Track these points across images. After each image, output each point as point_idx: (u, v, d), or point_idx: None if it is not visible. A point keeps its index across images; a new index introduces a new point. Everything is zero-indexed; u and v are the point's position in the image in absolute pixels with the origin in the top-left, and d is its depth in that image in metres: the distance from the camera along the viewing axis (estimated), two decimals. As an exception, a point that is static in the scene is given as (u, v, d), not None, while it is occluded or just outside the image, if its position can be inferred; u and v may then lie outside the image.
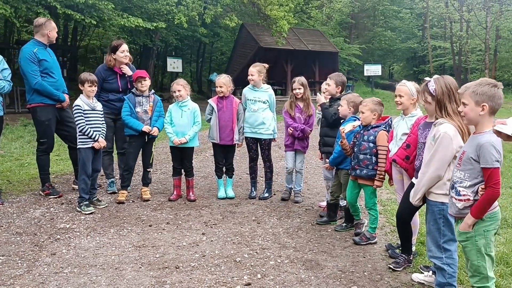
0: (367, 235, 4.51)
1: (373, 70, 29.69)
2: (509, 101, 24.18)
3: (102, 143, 5.43)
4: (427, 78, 3.46)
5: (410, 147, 3.88)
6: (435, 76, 3.42)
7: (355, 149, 4.49)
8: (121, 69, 5.95)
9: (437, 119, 3.26)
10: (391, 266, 3.93)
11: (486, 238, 2.78)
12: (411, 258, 3.99)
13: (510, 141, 2.34)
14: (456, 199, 2.84)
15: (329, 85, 5.18)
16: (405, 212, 3.71)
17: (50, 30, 5.73)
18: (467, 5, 34.03)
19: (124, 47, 6.04)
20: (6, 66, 5.62)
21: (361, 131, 4.47)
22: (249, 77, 5.89)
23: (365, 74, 30.44)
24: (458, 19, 35.55)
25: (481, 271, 2.82)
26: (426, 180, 3.19)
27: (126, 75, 5.99)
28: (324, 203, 5.52)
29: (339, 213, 5.17)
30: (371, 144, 4.36)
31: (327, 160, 5.12)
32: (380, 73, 31.16)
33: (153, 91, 5.89)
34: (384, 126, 4.37)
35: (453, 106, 3.16)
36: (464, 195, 2.78)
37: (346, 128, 4.40)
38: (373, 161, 4.36)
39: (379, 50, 39.91)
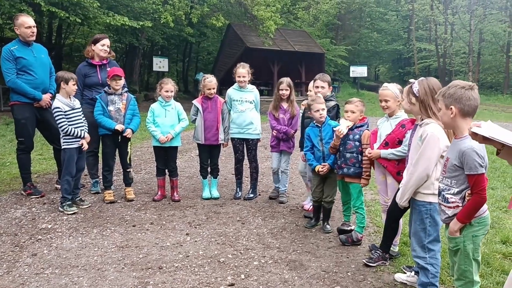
0: (353, 237, 4.54)
1: (359, 71, 29.90)
2: (492, 103, 24.53)
3: (87, 138, 5.40)
4: (411, 80, 3.49)
5: (389, 144, 3.98)
6: (421, 78, 3.46)
7: (341, 148, 4.54)
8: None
9: (422, 119, 3.30)
10: (365, 261, 3.99)
11: (474, 243, 2.78)
12: (386, 256, 4.02)
13: (485, 143, 2.34)
14: (445, 206, 2.83)
15: (323, 87, 5.16)
16: (397, 209, 3.73)
17: (17, 27, 5.61)
18: (452, 8, 34.51)
19: (105, 41, 6.00)
20: None
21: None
22: (240, 79, 5.87)
23: (351, 75, 30.65)
24: (442, 22, 36.04)
25: (467, 276, 2.83)
26: (414, 180, 3.21)
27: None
28: (308, 205, 5.54)
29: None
30: (357, 143, 4.44)
31: None
32: (366, 75, 31.40)
33: (126, 89, 5.80)
34: (366, 125, 4.50)
35: (437, 106, 3.19)
36: (452, 202, 2.77)
37: (343, 130, 4.40)
38: (359, 159, 4.44)
39: (365, 52, 40.23)
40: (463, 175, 2.70)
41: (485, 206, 2.77)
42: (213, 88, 5.87)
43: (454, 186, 2.76)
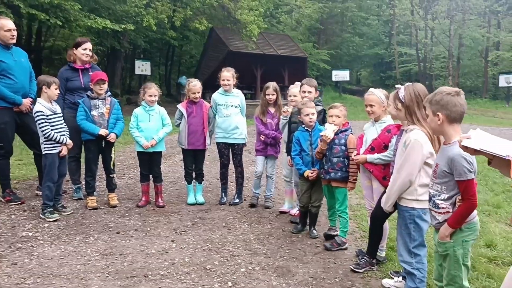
0: (338, 241, 4.53)
1: (341, 75, 30.13)
2: (472, 107, 24.94)
3: (70, 144, 5.28)
4: (397, 86, 3.50)
5: (375, 149, 3.99)
6: (407, 84, 3.47)
7: (327, 153, 4.54)
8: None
9: (408, 125, 3.31)
10: (352, 267, 3.98)
11: (464, 248, 2.78)
12: (373, 261, 4.02)
13: (477, 155, 2.35)
14: (435, 211, 2.83)
15: (310, 92, 5.14)
16: (380, 214, 3.73)
17: None
18: (432, 13, 35.04)
19: (87, 45, 5.90)
20: None
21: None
22: (225, 82, 5.82)
23: (333, 79, 30.86)
24: (423, 27, 36.59)
25: (456, 281, 2.83)
26: (397, 185, 3.24)
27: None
28: (294, 210, 5.53)
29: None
30: (343, 147, 4.46)
31: None
32: (348, 79, 31.63)
33: (109, 93, 5.70)
34: (350, 130, 4.54)
35: (422, 112, 3.20)
36: (443, 208, 2.77)
37: (329, 134, 4.39)
38: (346, 164, 4.45)
39: (347, 56, 40.56)
40: (453, 181, 2.71)
41: (475, 212, 2.78)
42: (198, 92, 5.82)
43: (444, 192, 2.76)
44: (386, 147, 3.92)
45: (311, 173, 4.70)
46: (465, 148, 2.35)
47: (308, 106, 4.74)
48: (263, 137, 5.73)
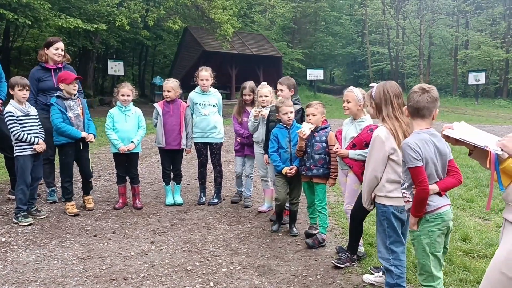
0: (319, 238, 4.55)
1: (315, 74, 30.30)
2: (443, 104, 25.47)
3: (42, 145, 5.10)
4: (372, 84, 3.54)
5: (356, 146, 4.06)
6: (380, 82, 3.52)
7: (309, 150, 4.56)
8: None
9: None
10: (333, 262, 4.03)
11: (430, 238, 2.87)
12: (354, 257, 4.06)
13: (458, 145, 2.41)
14: (404, 201, 2.96)
15: (282, 90, 5.14)
16: (360, 211, 3.76)
17: None
18: (403, 13, 35.64)
19: (59, 44, 5.75)
20: None
21: (311, 133, 4.53)
22: (203, 82, 5.78)
23: (308, 78, 31.02)
24: (394, 26, 37.20)
25: (426, 270, 2.93)
26: (366, 182, 3.33)
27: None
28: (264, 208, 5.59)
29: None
30: (324, 144, 4.50)
31: None
32: (322, 78, 31.84)
33: (77, 94, 5.51)
34: (330, 127, 4.60)
35: (388, 110, 3.25)
36: (405, 196, 2.91)
37: (306, 131, 4.41)
38: (327, 160, 4.50)
39: (320, 55, 40.88)
40: (408, 170, 2.85)
41: (441, 202, 2.88)
42: (168, 91, 5.72)
43: (406, 181, 2.90)
44: (367, 145, 3.96)
45: (289, 169, 4.70)
46: (447, 138, 2.42)
47: (286, 104, 4.75)
48: (239, 138, 5.71)
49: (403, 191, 2.90)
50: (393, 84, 3.45)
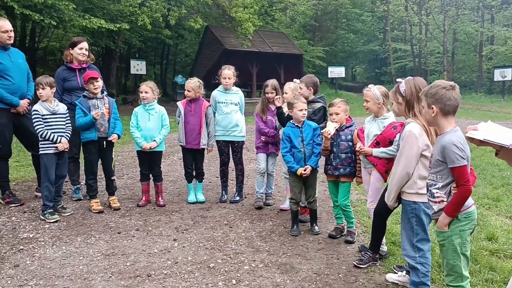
0: (340, 228, 4.70)
1: (336, 72, 30.10)
2: (467, 101, 25.02)
3: (65, 144, 5.19)
4: (399, 80, 3.51)
5: (379, 144, 4.03)
6: (408, 77, 3.48)
7: (335, 150, 4.55)
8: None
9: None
10: (355, 263, 4.00)
11: (462, 237, 2.84)
12: (376, 257, 4.03)
13: (483, 146, 2.37)
14: (432, 201, 2.90)
15: (301, 88, 5.16)
16: (383, 209, 3.74)
17: None
18: (426, 9, 35.07)
19: (84, 44, 5.85)
20: None
21: (336, 132, 4.53)
22: (226, 80, 5.80)
23: (329, 76, 30.84)
24: (417, 23, 36.61)
25: (456, 270, 2.88)
26: (396, 179, 3.25)
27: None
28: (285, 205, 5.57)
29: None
30: (350, 143, 4.48)
31: None
32: (343, 75, 31.64)
33: (105, 92, 5.63)
34: (355, 125, 4.56)
35: (420, 106, 3.21)
36: (438, 196, 2.84)
37: (331, 130, 4.40)
38: (354, 159, 4.49)
39: (342, 52, 40.57)
40: (446, 169, 2.78)
41: (470, 201, 2.85)
42: (188, 91, 5.74)
43: (439, 180, 2.83)
44: (391, 143, 3.95)
45: (304, 170, 4.67)
46: (471, 140, 2.38)
47: (301, 101, 4.73)
48: (264, 137, 5.71)
49: (435, 191, 2.84)
50: (422, 80, 3.44)
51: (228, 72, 5.81)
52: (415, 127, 3.16)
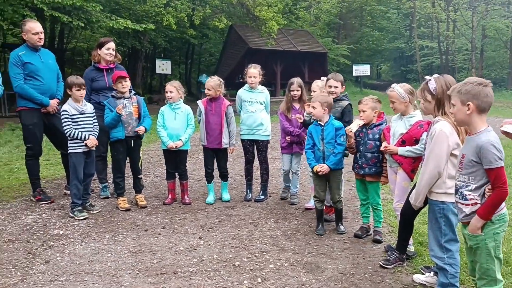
0: (366, 227, 4.67)
1: (361, 70, 29.75)
2: (497, 99, 24.36)
3: (93, 140, 5.31)
4: (427, 77, 3.44)
5: (406, 143, 3.97)
6: (435, 75, 3.42)
7: (361, 148, 4.51)
8: None
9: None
10: (381, 263, 3.95)
11: (495, 240, 2.75)
12: (403, 257, 3.98)
13: None
14: (463, 204, 2.79)
15: (337, 87, 5.10)
16: (410, 210, 3.69)
17: (25, 32, 5.58)
18: (454, 5, 34.34)
19: (111, 44, 5.96)
20: None
21: (364, 130, 4.49)
22: (251, 79, 5.82)
23: (354, 74, 30.50)
24: (444, 19, 35.89)
25: (489, 274, 2.79)
26: (425, 179, 3.17)
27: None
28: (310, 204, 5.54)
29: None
30: (377, 143, 4.40)
31: None
32: (368, 73, 31.22)
33: (133, 91, 5.72)
34: (385, 123, 4.45)
35: (450, 105, 3.15)
36: (471, 199, 2.73)
37: (353, 128, 4.38)
38: (380, 159, 4.42)
39: (367, 50, 40.06)
40: (481, 171, 2.68)
41: (503, 203, 2.75)
42: (208, 89, 5.73)
43: (472, 182, 2.73)
44: (417, 141, 3.89)
45: (320, 167, 4.64)
46: (506, 134, 2.32)
47: (319, 99, 4.72)
48: (289, 138, 5.70)
49: (468, 193, 2.74)
50: (451, 78, 3.37)
51: (253, 71, 5.82)
52: (445, 126, 3.09)
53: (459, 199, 2.82)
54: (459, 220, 2.92)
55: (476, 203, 2.72)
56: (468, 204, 2.76)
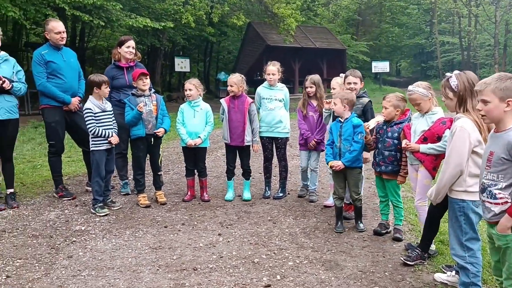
0: (385, 224, 4.63)
1: (380, 67, 29.51)
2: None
3: (116, 137, 5.41)
4: (448, 74, 3.39)
5: (427, 140, 3.92)
6: (456, 71, 3.36)
7: (379, 146, 4.48)
8: None
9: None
10: (403, 258, 3.92)
11: None
12: (425, 255, 3.93)
13: None
14: (491, 203, 2.71)
15: (356, 83, 5.07)
16: (436, 209, 3.64)
17: (48, 32, 5.69)
18: (476, -1, 33.78)
19: (131, 43, 6.03)
20: (19, 68, 5.62)
21: (384, 128, 4.45)
22: (270, 76, 5.82)
23: (373, 71, 30.27)
24: (466, 14, 35.32)
25: None
26: (447, 177, 3.11)
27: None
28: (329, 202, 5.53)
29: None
30: (396, 141, 4.35)
31: None
32: (388, 70, 30.94)
33: (153, 90, 5.77)
34: (408, 120, 4.37)
35: (474, 102, 3.09)
36: (501, 198, 2.65)
37: (370, 124, 4.36)
38: (398, 157, 4.37)
39: (386, 47, 39.72)
40: (511, 168, 2.60)
41: None
42: (231, 85, 5.73)
43: (502, 180, 2.64)
44: (439, 139, 3.84)
45: (334, 163, 4.64)
46: None
47: (339, 96, 4.72)
48: (312, 145, 5.74)
49: (497, 191, 2.65)
50: (473, 74, 3.30)
51: (272, 68, 5.81)
52: (467, 123, 3.03)
53: (487, 198, 2.73)
54: (487, 220, 2.84)
55: (506, 202, 2.63)
56: (497, 203, 2.67)
